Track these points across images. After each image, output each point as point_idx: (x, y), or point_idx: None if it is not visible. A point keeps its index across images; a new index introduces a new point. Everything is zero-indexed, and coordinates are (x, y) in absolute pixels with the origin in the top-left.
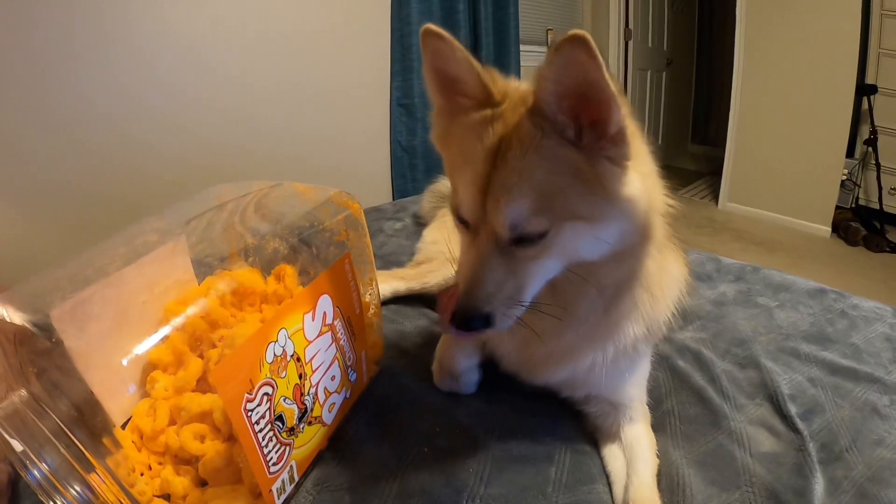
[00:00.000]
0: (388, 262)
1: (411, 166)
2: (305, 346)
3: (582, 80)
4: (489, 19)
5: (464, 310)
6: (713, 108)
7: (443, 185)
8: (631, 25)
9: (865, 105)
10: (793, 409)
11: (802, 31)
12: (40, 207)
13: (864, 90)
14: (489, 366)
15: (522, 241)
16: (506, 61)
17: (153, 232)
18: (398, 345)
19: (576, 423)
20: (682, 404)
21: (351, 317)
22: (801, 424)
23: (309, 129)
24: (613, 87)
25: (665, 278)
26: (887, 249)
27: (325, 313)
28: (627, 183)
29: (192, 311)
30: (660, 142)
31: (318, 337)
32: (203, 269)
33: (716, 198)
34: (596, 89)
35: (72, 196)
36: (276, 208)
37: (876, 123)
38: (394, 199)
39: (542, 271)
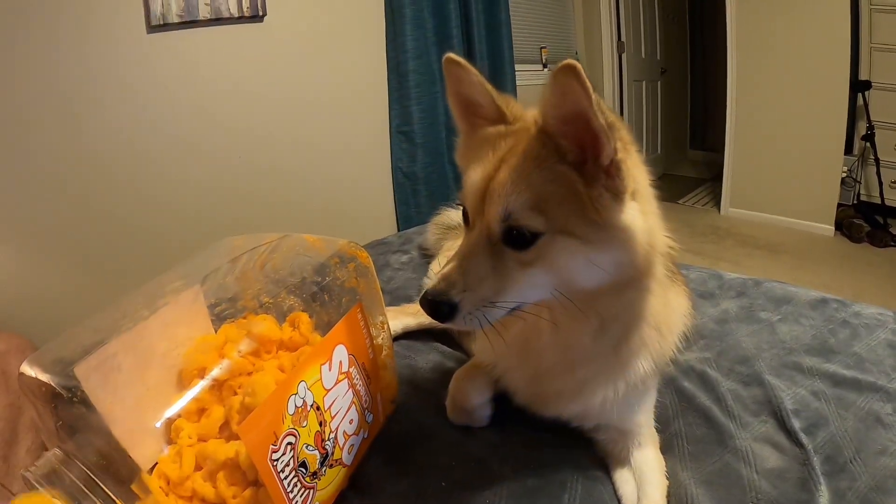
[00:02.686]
0: (397, 297)
1: (414, 192)
2: (324, 395)
3: (574, 109)
4: (483, 42)
5: (433, 291)
6: (710, 114)
7: (447, 216)
8: (623, 38)
9: (860, 101)
10: (797, 424)
11: (794, 31)
12: (44, 251)
13: (859, 86)
14: (501, 399)
15: (514, 240)
16: (502, 82)
17: (172, 291)
18: (411, 380)
19: (587, 451)
20: (688, 425)
21: (365, 362)
22: (805, 439)
23: (310, 160)
24: (602, 119)
25: (671, 315)
26: (892, 244)
27: (340, 362)
28: (624, 213)
29: (216, 372)
30: (659, 150)
31: (335, 385)
32: (220, 321)
33: (718, 204)
34: (586, 119)
35: (76, 239)
36: (287, 262)
37: (872, 118)
38: (398, 226)
39: (528, 282)
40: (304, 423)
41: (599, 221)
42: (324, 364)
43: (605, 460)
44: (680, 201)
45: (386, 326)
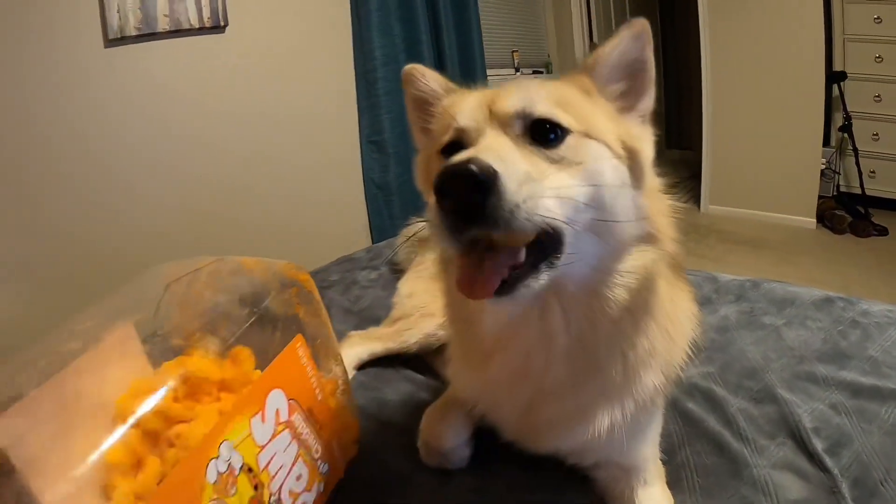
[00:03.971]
0: (365, 318)
1: (387, 203)
2: (257, 454)
3: (637, 57)
4: (453, 47)
5: (458, 160)
6: (685, 112)
7: (418, 227)
8: (596, 40)
9: (836, 92)
10: (819, 445)
11: (767, 25)
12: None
13: (834, 77)
14: (483, 434)
15: (541, 134)
16: (473, 86)
17: (98, 324)
18: (378, 416)
19: (583, 492)
20: (697, 454)
21: (312, 405)
22: (829, 461)
23: (278, 173)
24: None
25: (679, 315)
26: (874, 233)
27: (277, 410)
28: (649, 146)
29: (141, 411)
30: None
31: (272, 439)
32: (156, 356)
33: (697, 202)
34: (644, 67)
35: (29, 259)
36: (224, 290)
37: (849, 109)
38: (372, 239)
39: (562, 183)
40: (233, 491)
41: (628, 141)
42: (254, 416)
43: (606, 502)
44: None
45: (339, 359)
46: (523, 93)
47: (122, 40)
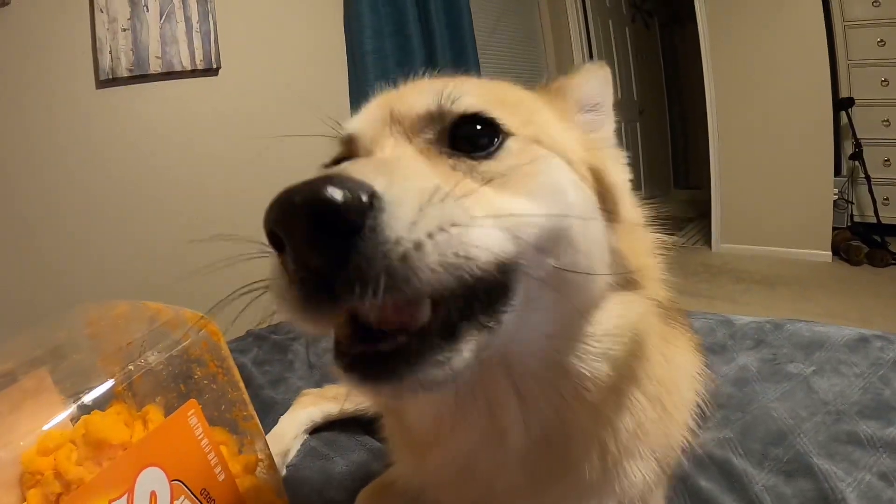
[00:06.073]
0: (328, 374)
1: None
2: None
3: (602, 91)
4: None
5: (297, 184)
6: (691, 151)
7: None
8: None
9: (844, 119)
10: None
11: (770, 58)
12: None
13: (842, 104)
14: None
15: (469, 138)
16: None
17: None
18: (323, 492)
19: None
20: None
21: (209, 486)
22: None
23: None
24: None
25: (676, 377)
26: (893, 262)
27: (153, 494)
28: (620, 175)
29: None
30: (642, 191)
31: None
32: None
33: (708, 241)
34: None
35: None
36: (126, 334)
37: (858, 136)
38: None
39: (505, 209)
40: None
41: (593, 161)
42: (117, 500)
43: None
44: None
45: (257, 427)
46: (438, 86)
47: (114, 81)
